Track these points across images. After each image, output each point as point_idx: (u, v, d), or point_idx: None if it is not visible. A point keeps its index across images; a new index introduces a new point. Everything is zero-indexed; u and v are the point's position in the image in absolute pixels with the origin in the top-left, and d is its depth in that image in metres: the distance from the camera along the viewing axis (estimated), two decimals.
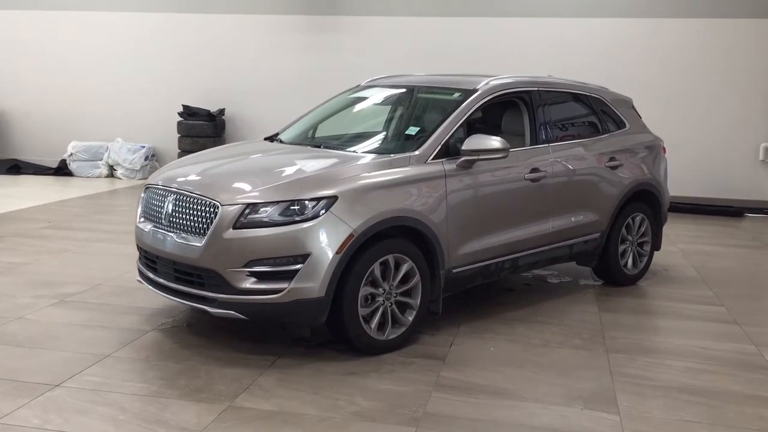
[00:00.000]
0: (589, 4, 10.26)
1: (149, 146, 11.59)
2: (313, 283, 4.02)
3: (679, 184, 8.94)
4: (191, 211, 4.23)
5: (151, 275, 4.55)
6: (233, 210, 4.06)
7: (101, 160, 11.52)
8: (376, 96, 5.84)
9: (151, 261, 4.55)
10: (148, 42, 11.63)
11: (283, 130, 5.65)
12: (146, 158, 11.45)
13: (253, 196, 4.10)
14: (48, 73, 11.93)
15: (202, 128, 11.10)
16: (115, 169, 11.54)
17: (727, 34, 9.93)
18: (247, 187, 4.21)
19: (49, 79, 11.94)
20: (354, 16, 11.00)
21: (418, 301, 4.46)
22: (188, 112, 11.23)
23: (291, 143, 5.29)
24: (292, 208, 4.07)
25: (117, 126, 11.80)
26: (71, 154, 11.55)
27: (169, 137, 11.45)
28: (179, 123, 11.23)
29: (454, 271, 4.69)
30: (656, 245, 6.27)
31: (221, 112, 11.37)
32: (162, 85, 11.65)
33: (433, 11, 10.69)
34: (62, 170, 11.59)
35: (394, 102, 5.72)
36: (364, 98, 5.83)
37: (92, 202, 9.39)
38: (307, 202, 4.08)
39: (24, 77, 12.03)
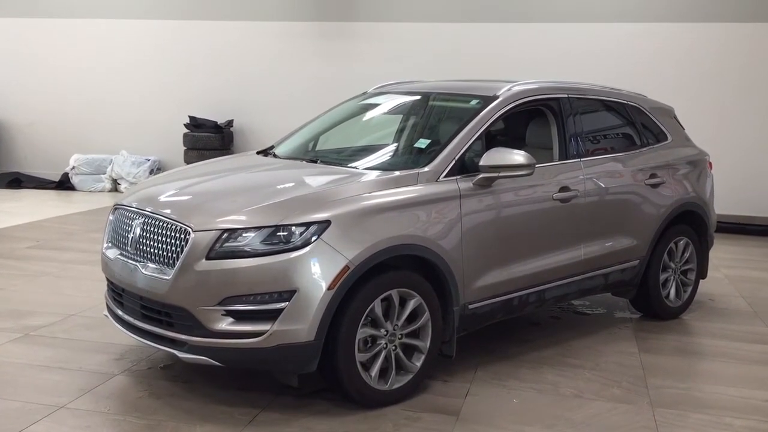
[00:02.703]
0: (621, 7, 9.51)
1: (155, 159, 11.06)
2: (300, 324, 3.37)
3: (717, 200, 8.15)
4: (160, 237, 3.61)
5: (118, 311, 3.92)
6: (207, 236, 3.43)
7: (104, 173, 11.01)
8: (385, 104, 5.19)
9: (117, 294, 3.92)
10: (154, 50, 11.11)
11: (280, 142, 5.03)
12: (151, 171, 10.90)
13: (231, 221, 3.47)
14: (51, 83, 11.46)
15: (209, 140, 10.54)
16: (118, 183, 11.01)
17: None
18: (224, 209, 3.57)
19: (53, 90, 11.46)
20: (369, 23, 10.37)
21: (428, 343, 3.79)
22: (194, 124, 10.68)
23: (286, 157, 4.65)
24: (277, 234, 3.43)
25: (122, 138, 11.27)
26: (73, 168, 11.04)
27: (175, 150, 10.90)
28: (185, 135, 10.69)
29: (471, 306, 4.01)
30: (702, 273, 5.53)
31: (229, 123, 10.81)
32: (169, 96, 11.12)
33: (456, 17, 10.00)
34: (64, 184, 11.09)
35: (403, 111, 5.06)
36: (371, 107, 5.19)
37: (89, 219, 8.83)
38: (294, 227, 3.43)
39: (26, 88, 11.55)
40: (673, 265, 5.28)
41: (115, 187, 11.04)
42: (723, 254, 7.47)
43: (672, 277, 5.29)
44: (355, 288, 3.48)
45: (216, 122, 10.67)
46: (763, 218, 9.13)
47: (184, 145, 10.69)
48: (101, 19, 11.22)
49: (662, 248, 5.14)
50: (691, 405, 3.85)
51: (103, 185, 11.00)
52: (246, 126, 10.94)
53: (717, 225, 5.79)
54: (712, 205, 5.63)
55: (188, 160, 10.51)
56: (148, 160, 10.98)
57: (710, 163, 5.70)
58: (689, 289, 5.42)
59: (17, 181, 11.21)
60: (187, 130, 10.70)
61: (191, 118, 10.71)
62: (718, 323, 5.28)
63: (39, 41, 11.46)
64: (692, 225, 5.39)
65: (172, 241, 3.53)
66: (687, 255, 5.37)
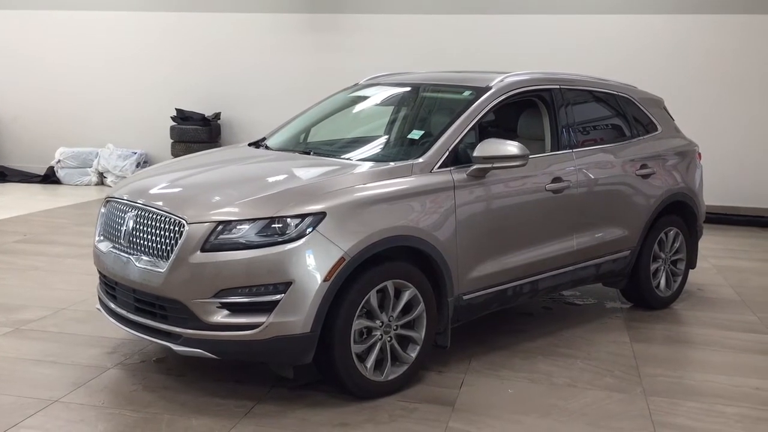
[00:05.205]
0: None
1: (141, 152, 10.96)
2: (296, 316, 3.37)
3: (705, 191, 8.21)
4: (153, 230, 3.58)
5: (111, 304, 3.90)
6: (202, 229, 3.41)
7: (90, 167, 10.92)
8: (376, 96, 5.17)
9: (110, 287, 3.90)
10: (141, 42, 11.00)
11: (271, 134, 5.00)
12: (138, 165, 10.81)
13: (226, 213, 3.45)
14: (36, 76, 11.32)
15: (196, 133, 10.47)
16: (105, 177, 10.92)
17: (764, 33, 9.13)
18: (218, 201, 3.56)
19: (38, 83, 11.33)
20: (360, 14, 10.29)
21: (423, 333, 3.80)
22: (181, 117, 10.61)
23: (278, 149, 4.63)
24: (272, 226, 3.42)
25: (108, 131, 11.17)
26: (59, 161, 10.95)
27: (162, 143, 10.82)
28: (172, 128, 10.61)
29: (465, 297, 4.03)
30: (692, 263, 5.58)
31: (216, 116, 10.74)
32: (156, 88, 11.02)
33: (448, 8, 9.95)
34: (50, 178, 10.99)
35: (395, 102, 5.05)
36: (362, 98, 5.17)
37: (77, 212, 8.76)
38: (289, 219, 3.42)
39: (11, 81, 11.42)
40: (663, 255, 5.32)
41: (101, 181, 10.96)
42: (711, 244, 7.52)
43: (662, 267, 5.33)
44: (350, 279, 3.48)
45: (203, 115, 10.60)
46: (750, 209, 9.21)
47: (171, 138, 10.62)
48: (87, 11, 11.10)
49: (652, 238, 5.18)
50: (683, 393, 3.88)
51: (89, 179, 10.91)
52: (234, 119, 10.88)
53: (705, 215, 5.84)
54: (701, 195, 5.67)
55: (175, 153, 10.45)
56: (135, 153, 10.89)
57: (699, 154, 5.74)
58: (679, 278, 5.46)
59: (2, 175, 11.10)
60: (174, 123, 10.62)
61: (178, 110, 10.64)
62: (708, 312, 5.33)
63: (24, 34, 11.31)
64: (682, 215, 5.43)
65: (166, 233, 3.51)
66: (677, 245, 5.41)
